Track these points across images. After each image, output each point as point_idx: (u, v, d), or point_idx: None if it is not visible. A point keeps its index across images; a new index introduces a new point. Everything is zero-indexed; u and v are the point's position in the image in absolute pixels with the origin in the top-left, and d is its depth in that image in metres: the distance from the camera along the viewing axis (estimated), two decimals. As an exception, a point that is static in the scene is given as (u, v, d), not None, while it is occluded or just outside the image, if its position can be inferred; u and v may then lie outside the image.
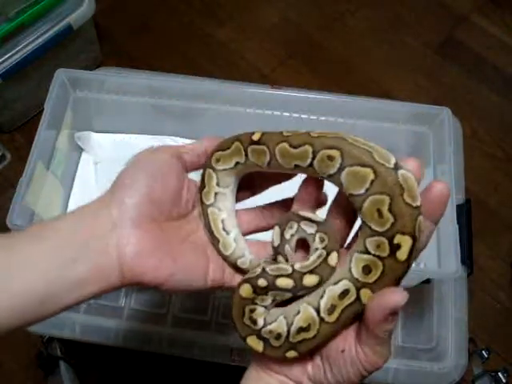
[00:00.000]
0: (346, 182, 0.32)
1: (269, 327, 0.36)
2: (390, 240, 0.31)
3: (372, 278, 0.32)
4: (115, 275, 0.35)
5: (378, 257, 0.32)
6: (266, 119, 0.74)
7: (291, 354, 0.36)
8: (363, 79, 1.16)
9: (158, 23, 1.23)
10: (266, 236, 0.41)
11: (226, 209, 0.41)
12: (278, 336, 0.36)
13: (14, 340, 0.91)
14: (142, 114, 0.78)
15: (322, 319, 0.34)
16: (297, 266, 0.36)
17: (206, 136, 0.42)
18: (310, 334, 0.34)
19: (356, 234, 0.36)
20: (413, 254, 0.31)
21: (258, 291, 0.36)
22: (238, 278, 0.39)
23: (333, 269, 0.35)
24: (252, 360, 0.40)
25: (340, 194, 0.37)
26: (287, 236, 0.37)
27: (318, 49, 1.20)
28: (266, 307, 0.37)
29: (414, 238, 0.31)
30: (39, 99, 0.75)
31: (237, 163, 0.39)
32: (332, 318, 0.34)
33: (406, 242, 0.31)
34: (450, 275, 0.61)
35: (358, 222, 0.35)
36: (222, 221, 0.40)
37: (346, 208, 0.36)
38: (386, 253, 0.32)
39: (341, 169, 0.32)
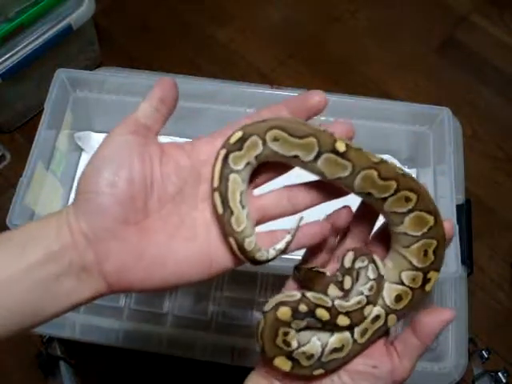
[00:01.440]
0: (409, 223, 0.36)
1: (302, 349, 0.36)
2: (425, 275, 0.36)
3: (400, 306, 0.37)
4: (102, 287, 0.33)
5: (410, 288, 0.37)
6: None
7: (319, 371, 0.37)
8: (363, 79, 1.16)
9: (157, 23, 1.23)
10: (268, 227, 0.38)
11: (246, 182, 0.36)
12: (310, 356, 0.36)
13: (14, 340, 0.91)
14: (141, 114, 0.77)
15: (354, 340, 0.36)
16: (336, 303, 0.37)
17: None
18: (342, 354, 0.36)
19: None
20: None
21: (297, 316, 0.36)
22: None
23: (364, 319, 0.37)
24: (255, 369, 0.39)
25: (383, 230, 0.39)
26: (356, 266, 0.38)
27: (318, 49, 1.20)
28: (297, 331, 0.37)
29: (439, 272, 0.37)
30: (39, 99, 0.75)
31: (295, 157, 0.35)
32: (363, 340, 0.37)
33: (434, 277, 0.37)
34: (450, 275, 0.61)
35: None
36: (241, 193, 0.35)
37: (385, 242, 0.39)
38: (418, 285, 0.37)
39: (411, 211, 0.35)
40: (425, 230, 0.35)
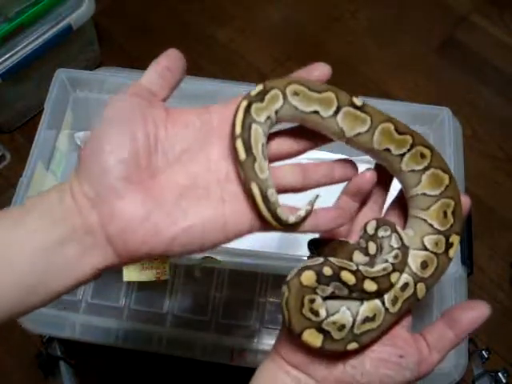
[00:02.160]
0: (426, 182, 0.36)
1: (332, 318, 0.34)
2: (447, 239, 0.36)
3: (427, 273, 0.36)
4: (109, 254, 0.31)
5: (435, 253, 0.36)
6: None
7: (353, 346, 0.34)
8: (363, 79, 1.16)
9: (157, 23, 1.23)
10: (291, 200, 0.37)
11: (266, 136, 0.35)
12: (342, 327, 0.34)
13: (14, 340, 0.91)
14: (141, 114, 0.77)
15: (386, 309, 0.35)
16: (361, 268, 0.35)
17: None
18: (375, 324, 0.35)
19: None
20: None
21: (322, 280, 0.34)
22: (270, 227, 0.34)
23: (391, 285, 0.35)
24: (268, 357, 0.37)
25: (400, 196, 0.39)
26: (379, 234, 0.37)
27: (318, 49, 1.20)
28: (323, 299, 0.35)
29: (461, 238, 0.37)
30: (39, 99, 0.75)
31: (315, 112, 0.35)
32: (395, 309, 0.35)
33: (456, 241, 0.36)
34: (450, 275, 0.61)
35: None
36: (263, 145, 0.34)
37: (402, 212, 0.39)
38: (441, 250, 0.36)
39: (427, 168, 0.36)
40: (442, 188, 0.36)
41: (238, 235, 0.34)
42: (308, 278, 0.34)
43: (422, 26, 1.22)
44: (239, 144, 0.33)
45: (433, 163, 0.36)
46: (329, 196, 0.39)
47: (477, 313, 0.36)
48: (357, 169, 0.38)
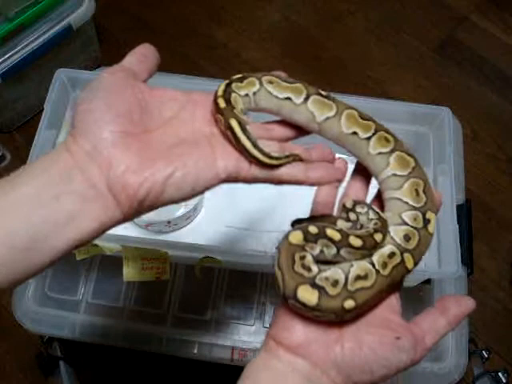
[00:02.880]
0: (395, 162, 0.39)
1: (324, 274, 0.35)
2: (424, 215, 0.38)
3: (412, 245, 0.38)
4: (110, 203, 0.32)
5: (415, 228, 0.38)
6: (266, 118, 0.74)
7: (350, 303, 0.34)
8: (363, 79, 1.16)
9: (157, 23, 1.23)
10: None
11: (244, 112, 0.40)
12: (335, 283, 0.34)
13: (14, 340, 0.91)
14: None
15: (377, 271, 0.36)
16: (345, 229, 0.37)
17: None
18: (368, 283, 0.35)
19: None
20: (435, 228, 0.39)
21: (309, 238, 0.36)
22: (255, 169, 0.36)
23: (376, 243, 0.36)
24: (261, 347, 0.36)
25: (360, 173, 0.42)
26: (357, 209, 0.40)
27: (318, 49, 1.20)
28: (313, 257, 0.36)
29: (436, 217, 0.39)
30: (39, 99, 0.75)
31: (287, 98, 0.40)
32: (385, 272, 0.36)
33: (433, 219, 0.39)
34: (450, 275, 0.61)
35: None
36: (241, 109, 0.39)
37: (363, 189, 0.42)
38: (420, 225, 0.38)
39: (392, 151, 0.39)
40: (409, 169, 0.39)
41: (229, 176, 0.36)
42: (296, 236, 0.36)
43: (422, 25, 1.22)
44: (220, 100, 0.38)
45: (397, 147, 0.39)
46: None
47: (466, 302, 0.38)
48: (333, 155, 0.41)
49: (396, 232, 0.38)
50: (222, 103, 0.37)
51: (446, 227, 0.63)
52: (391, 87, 1.14)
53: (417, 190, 0.39)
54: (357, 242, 0.36)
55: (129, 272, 0.67)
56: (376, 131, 0.39)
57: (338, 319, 0.35)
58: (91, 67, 1.12)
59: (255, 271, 0.74)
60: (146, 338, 0.69)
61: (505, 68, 1.16)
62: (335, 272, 0.35)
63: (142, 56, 0.39)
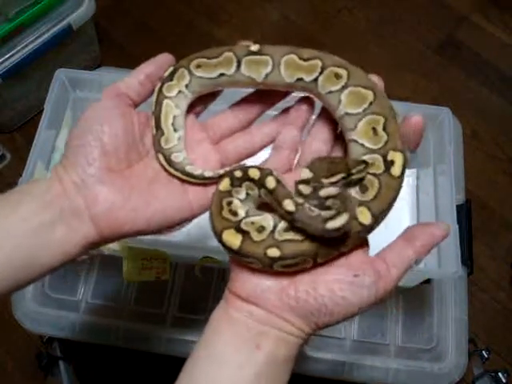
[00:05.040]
0: (346, 100, 0.35)
1: (251, 218, 0.34)
2: (384, 157, 0.33)
3: (368, 196, 0.33)
4: (92, 232, 0.36)
5: (373, 174, 0.33)
6: (266, 118, 0.74)
7: (273, 251, 0.32)
8: (363, 79, 1.15)
9: (157, 23, 1.23)
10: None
11: (181, 109, 0.39)
12: (261, 229, 0.33)
13: (14, 340, 0.91)
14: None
15: None
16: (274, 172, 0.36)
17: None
18: (299, 237, 0.32)
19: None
20: (404, 170, 0.33)
21: (235, 182, 0.36)
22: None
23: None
24: (222, 300, 0.37)
25: (324, 116, 0.39)
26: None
27: (317, 48, 1.20)
28: (240, 201, 0.36)
29: (405, 155, 0.33)
30: (39, 99, 0.75)
31: (221, 74, 0.38)
32: None
33: (398, 158, 0.33)
34: (450, 275, 0.61)
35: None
36: (174, 117, 0.39)
37: (328, 129, 0.39)
38: (381, 170, 0.33)
39: (344, 87, 0.35)
40: (365, 105, 0.35)
41: (202, 210, 0.39)
42: (224, 183, 0.36)
43: (422, 25, 1.22)
44: (152, 121, 0.39)
45: (350, 81, 0.35)
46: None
47: (435, 229, 0.35)
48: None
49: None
50: (153, 128, 0.39)
51: (445, 227, 0.63)
52: (391, 87, 1.14)
53: (374, 129, 0.34)
54: (271, 184, 0.33)
55: (129, 272, 0.67)
56: (323, 69, 0.36)
57: (267, 268, 0.33)
58: (91, 67, 1.12)
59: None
60: (146, 338, 0.69)
61: (505, 68, 1.16)
62: (264, 218, 0.34)
63: (146, 79, 0.39)
